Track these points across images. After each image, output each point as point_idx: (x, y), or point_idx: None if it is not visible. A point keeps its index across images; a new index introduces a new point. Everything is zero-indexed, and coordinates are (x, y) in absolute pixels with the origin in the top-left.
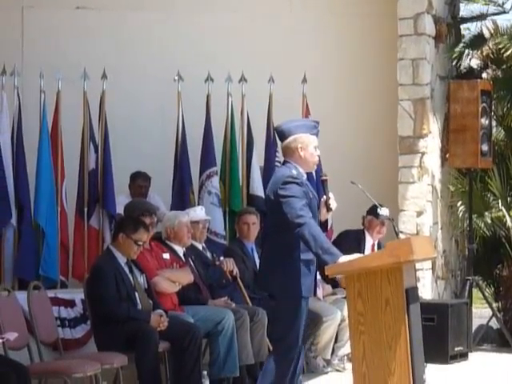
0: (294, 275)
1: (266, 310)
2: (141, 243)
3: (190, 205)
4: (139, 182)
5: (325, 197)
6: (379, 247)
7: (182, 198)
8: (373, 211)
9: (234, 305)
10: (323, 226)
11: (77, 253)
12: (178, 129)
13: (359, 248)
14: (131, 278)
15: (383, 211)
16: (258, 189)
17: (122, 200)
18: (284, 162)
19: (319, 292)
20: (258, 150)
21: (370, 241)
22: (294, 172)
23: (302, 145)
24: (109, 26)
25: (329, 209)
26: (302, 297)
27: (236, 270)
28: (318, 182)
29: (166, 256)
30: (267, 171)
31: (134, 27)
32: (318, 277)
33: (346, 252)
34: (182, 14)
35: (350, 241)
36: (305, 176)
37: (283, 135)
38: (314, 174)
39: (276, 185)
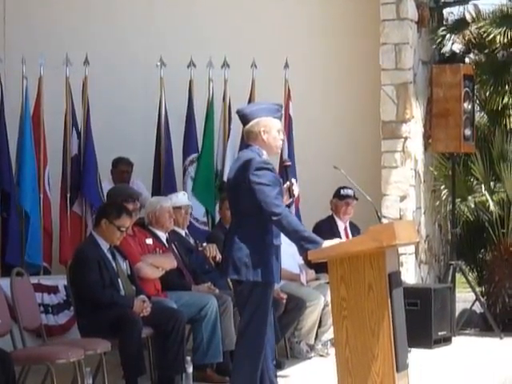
0: (267, 260)
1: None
2: (124, 229)
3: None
4: (121, 167)
5: (288, 183)
6: (353, 229)
7: (163, 183)
8: (336, 193)
9: (217, 290)
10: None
11: (62, 239)
12: (160, 114)
13: (334, 236)
14: (114, 264)
15: (346, 191)
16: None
17: (104, 186)
18: (247, 146)
19: (302, 277)
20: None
21: (341, 225)
22: (265, 157)
23: (264, 128)
24: (91, 12)
25: (291, 195)
26: (272, 282)
27: (219, 256)
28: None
29: (149, 241)
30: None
31: (116, 13)
32: (301, 262)
33: None
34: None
35: (324, 232)
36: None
37: (246, 119)
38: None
39: (245, 169)
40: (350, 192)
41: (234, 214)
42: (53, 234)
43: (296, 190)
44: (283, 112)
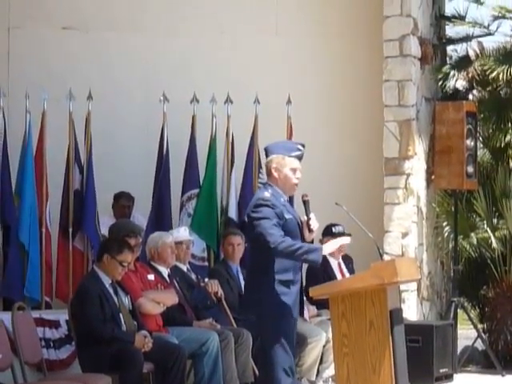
0: (274, 295)
1: (251, 332)
2: (125, 264)
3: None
4: (122, 201)
5: (305, 217)
6: (346, 262)
7: (160, 218)
8: (328, 231)
9: (218, 326)
10: None
11: (60, 273)
12: (161, 149)
13: (329, 275)
14: (116, 299)
15: (338, 228)
16: (231, 211)
17: (105, 221)
18: (264, 183)
19: (305, 314)
20: (240, 170)
21: (334, 262)
22: (267, 194)
23: (276, 165)
24: (95, 46)
25: (310, 230)
26: (284, 316)
27: (221, 292)
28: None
29: (151, 277)
30: (243, 194)
31: (120, 48)
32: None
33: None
34: (167, 35)
35: (317, 274)
36: (284, 197)
37: (265, 154)
38: None
39: (249, 208)
40: (341, 229)
41: (248, 251)
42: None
43: (315, 225)
44: None
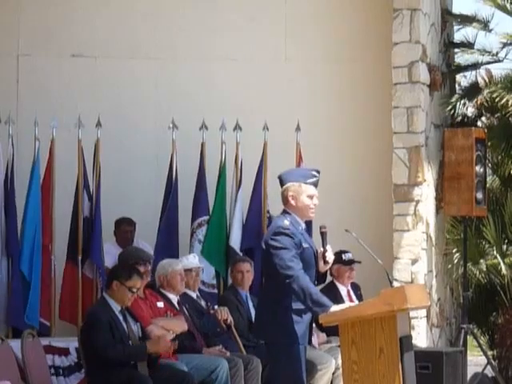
0: (286, 323)
1: (261, 358)
2: (135, 290)
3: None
4: (124, 227)
5: (322, 249)
6: (354, 290)
7: (167, 246)
8: (338, 258)
9: (228, 353)
10: (322, 277)
11: (66, 297)
12: (171, 177)
13: (338, 302)
14: (125, 326)
15: (348, 255)
16: (233, 240)
17: (107, 248)
18: (283, 211)
19: (314, 340)
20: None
21: (343, 289)
22: (286, 222)
23: (293, 193)
24: (104, 74)
25: (325, 262)
26: (296, 343)
27: (230, 319)
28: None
29: (160, 304)
30: (249, 221)
31: (129, 75)
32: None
33: None
34: (177, 62)
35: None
36: (302, 225)
37: (280, 183)
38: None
39: (268, 235)
40: (350, 256)
41: (263, 278)
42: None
43: (330, 257)
44: None
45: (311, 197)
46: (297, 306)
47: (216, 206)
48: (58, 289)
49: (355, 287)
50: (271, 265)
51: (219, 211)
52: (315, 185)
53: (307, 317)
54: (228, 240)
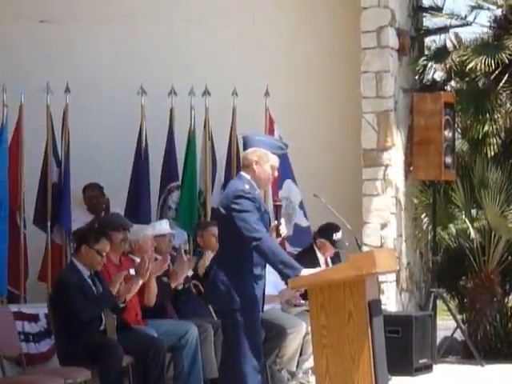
0: (245, 289)
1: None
2: (104, 254)
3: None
4: (88, 192)
5: (276, 222)
6: (335, 260)
7: (137, 211)
8: (326, 234)
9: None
10: None
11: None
12: (140, 142)
13: (314, 267)
14: (95, 291)
15: (338, 236)
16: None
17: (76, 215)
18: (238, 174)
19: (284, 294)
20: (220, 163)
21: (321, 257)
22: (247, 186)
23: (258, 159)
24: (72, 39)
25: (278, 234)
26: (254, 309)
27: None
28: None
29: (133, 272)
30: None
31: (97, 41)
32: (274, 291)
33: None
34: (144, 27)
35: (306, 263)
36: (257, 191)
37: (245, 145)
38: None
39: (227, 199)
40: (340, 235)
41: (219, 242)
42: (27, 259)
43: (283, 231)
44: None
45: (273, 168)
46: (257, 271)
47: (187, 172)
48: (28, 256)
49: (336, 257)
50: (233, 228)
51: (190, 177)
52: (280, 157)
53: (262, 283)
54: (200, 205)
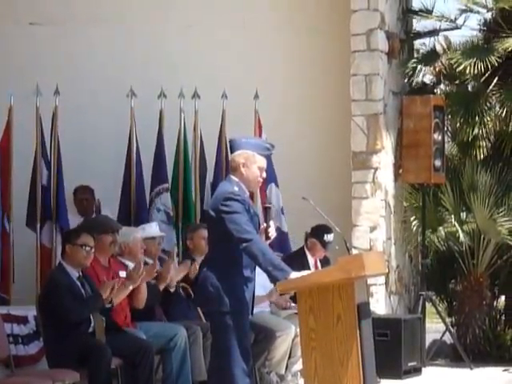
0: (235, 291)
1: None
2: (88, 248)
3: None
4: (79, 195)
5: (265, 224)
6: (323, 262)
7: (129, 214)
8: (318, 235)
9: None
10: None
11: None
12: (130, 145)
13: (304, 269)
14: (83, 293)
15: (329, 237)
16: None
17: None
18: (227, 177)
19: (272, 295)
20: (210, 165)
21: (311, 260)
22: (236, 188)
23: (245, 161)
24: (62, 41)
25: (267, 237)
26: (243, 312)
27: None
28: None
29: (123, 274)
30: (216, 187)
31: (88, 43)
32: (262, 292)
33: None
34: (133, 30)
35: (293, 266)
36: (247, 193)
37: (232, 148)
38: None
39: (217, 201)
40: (331, 238)
41: (208, 244)
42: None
43: (272, 233)
44: None
45: (261, 169)
46: (246, 273)
47: (176, 175)
48: (16, 256)
49: (326, 260)
50: (223, 231)
51: (187, 178)
52: (267, 158)
53: (251, 285)
54: (197, 205)
